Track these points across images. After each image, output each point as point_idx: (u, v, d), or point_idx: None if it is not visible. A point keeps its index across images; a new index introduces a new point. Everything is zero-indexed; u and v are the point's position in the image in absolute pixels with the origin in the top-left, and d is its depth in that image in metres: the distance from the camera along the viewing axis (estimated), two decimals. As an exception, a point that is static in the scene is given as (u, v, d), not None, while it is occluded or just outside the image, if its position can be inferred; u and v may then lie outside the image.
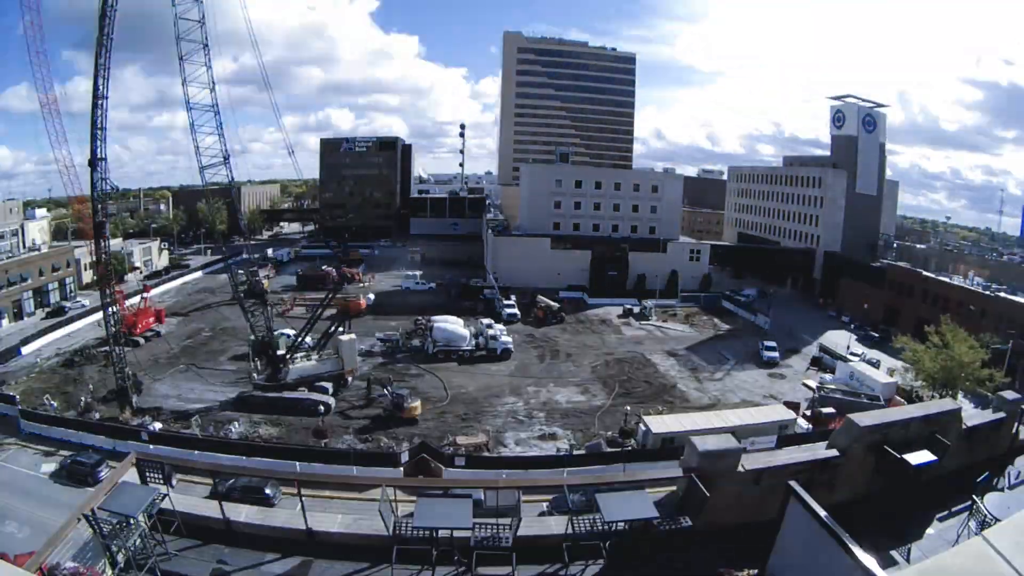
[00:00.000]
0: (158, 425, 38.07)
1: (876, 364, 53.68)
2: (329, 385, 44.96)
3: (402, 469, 32.37)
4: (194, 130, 37.76)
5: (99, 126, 36.67)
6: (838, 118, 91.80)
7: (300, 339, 46.18)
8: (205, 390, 45.28)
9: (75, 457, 32.86)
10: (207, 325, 63.22)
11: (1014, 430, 14.36)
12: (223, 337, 58.85)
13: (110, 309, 40.58)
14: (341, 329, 47.86)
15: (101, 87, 36.11)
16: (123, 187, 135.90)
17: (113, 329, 40.76)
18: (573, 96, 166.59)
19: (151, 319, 60.28)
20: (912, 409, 13.72)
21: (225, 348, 55.44)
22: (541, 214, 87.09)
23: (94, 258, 40.87)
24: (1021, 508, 10.74)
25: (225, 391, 44.98)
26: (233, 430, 38.52)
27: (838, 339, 60.67)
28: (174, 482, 21.92)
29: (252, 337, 43.79)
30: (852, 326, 66.39)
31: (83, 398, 41.71)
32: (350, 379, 46.97)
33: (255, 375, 44.39)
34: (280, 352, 44.83)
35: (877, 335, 64.66)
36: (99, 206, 38.34)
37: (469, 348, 53.71)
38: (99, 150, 37.01)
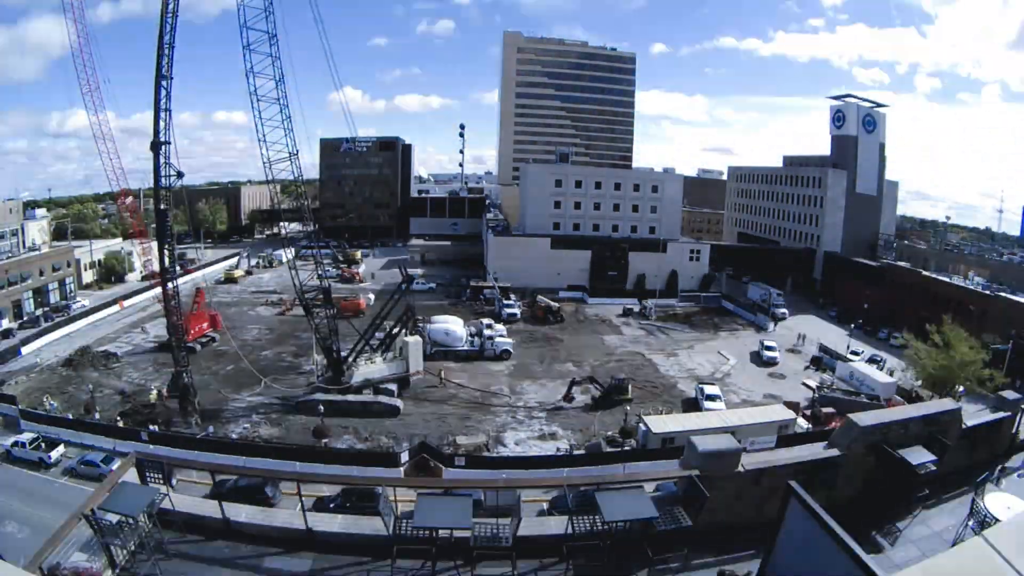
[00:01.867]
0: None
1: (881, 362, 53.71)
2: (394, 387, 44.37)
3: (402, 469, 32.40)
4: (260, 123, 36.76)
5: (163, 107, 35.61)
6: (838, 118, 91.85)
7: (365, 341, 44.97)
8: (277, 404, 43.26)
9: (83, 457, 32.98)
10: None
11: (1014, 430, 14.36)
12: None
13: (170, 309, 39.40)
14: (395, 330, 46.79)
15: (165, 66, 35.09)
16: (123, 187, 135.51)
17: (175, 332, 39.63)
18: (573, 96, 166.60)
19: (205, 324, 57.03)
20: (912, 409, 13.73)
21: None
22: (541, 214, 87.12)
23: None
24: (1021, 508, 10.78)
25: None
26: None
27: (836, 338, 60.70)
28: (174, 481, 22.07)
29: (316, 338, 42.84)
30: (852, 326, 66.39)
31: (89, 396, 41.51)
32: (413, 380, 46.19)
33: (317, 378, 43.74)
34: (342, 354, 43.56)
35: (881, 333, 64.90)
36: (164, 193, 37.30)
37: (465, 348, 53.72)
38: (163, 133, 35.91)
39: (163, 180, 37.05)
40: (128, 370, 49.37)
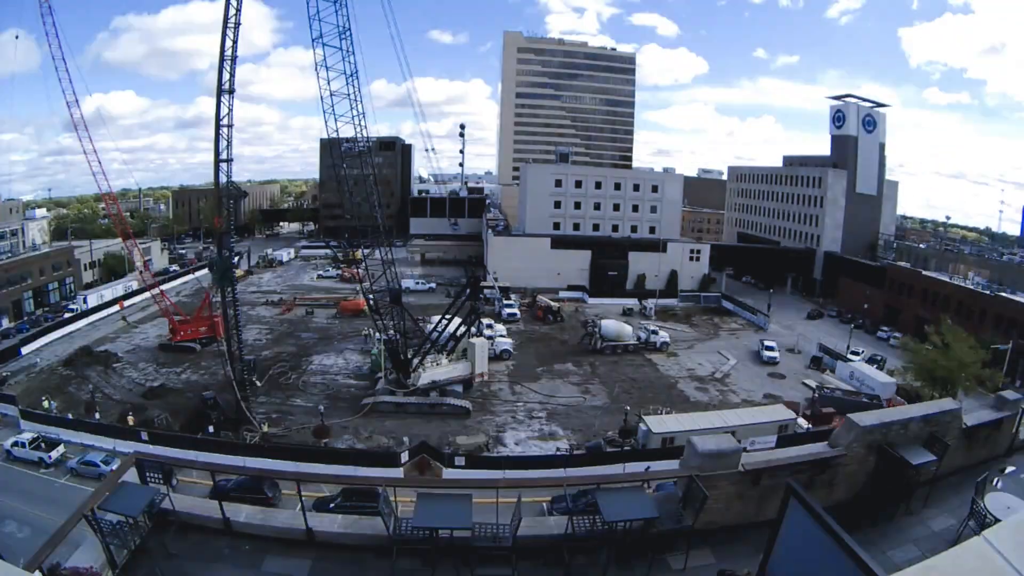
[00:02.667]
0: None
1: (882, 361, 53.72)
2: (460, 388, 44.36)
3: (402, 469, 32.41)
4: (333, 119, 36.28)
5: (224, 123, 34.78)
6: (838, 118, 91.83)
7: (433, 343, 44.21)
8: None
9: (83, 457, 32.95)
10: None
11: (1014, 430, 14.36)
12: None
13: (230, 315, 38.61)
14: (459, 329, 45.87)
15: (226, 81, 34.22)
16: (123, 187, 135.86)
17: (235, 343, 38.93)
18: (573, 96, 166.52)
19: (203, 328, 54.47)
20: (912, 409, 13.72)
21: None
22: (541, 214, 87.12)
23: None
24: (1021, 508, 10.78)
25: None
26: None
27: (835, 338, 60.69)
28: (175, 481, 22.08)
29: (379, 339, 42.76)
30: (852, 326, 66.36)
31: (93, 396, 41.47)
32: (476, 382, 46.02)
33: (382, 382, 43.56)
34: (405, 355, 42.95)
35: (881, 333, 64.96)
36: (226, 214, 37.57)
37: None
38: (225, 151, 35.22)
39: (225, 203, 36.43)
40: (128, 370, 49.36)
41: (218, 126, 34.85)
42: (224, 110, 34.51)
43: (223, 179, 36.13)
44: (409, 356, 42.70)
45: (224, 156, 35.48)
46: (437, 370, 44.09)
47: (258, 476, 30.03)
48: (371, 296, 41.04)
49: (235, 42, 33.72)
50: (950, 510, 11.97)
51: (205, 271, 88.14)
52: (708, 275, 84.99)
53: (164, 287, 58.54)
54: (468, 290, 45.53)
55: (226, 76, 34.11)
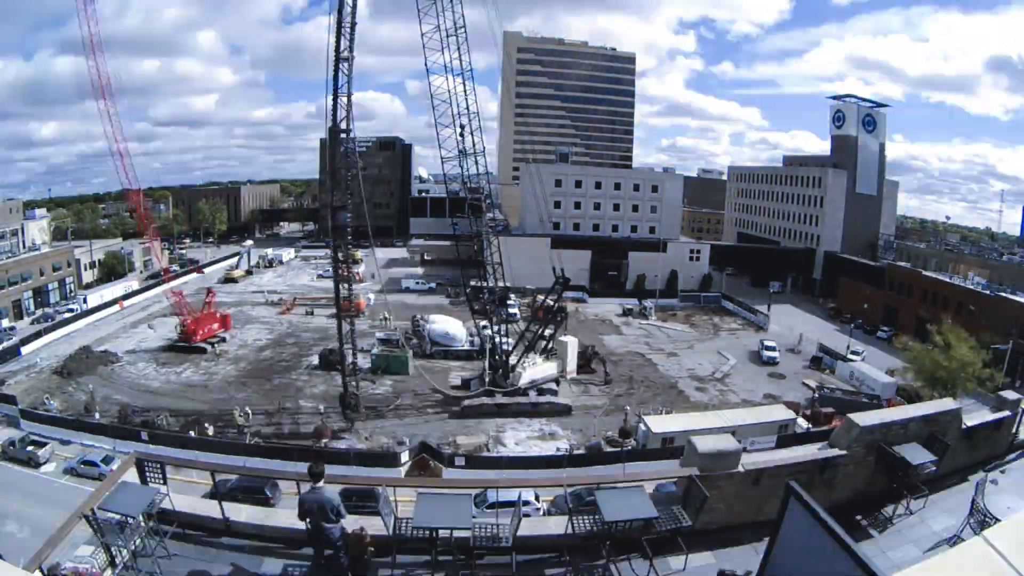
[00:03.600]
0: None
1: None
2: (555, 387, 44.80)
3: (402, 469, 32.41)
4: (437, 125, 36.73)
5: (343, 91, 33.91)
6: (838, 118, 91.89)
7: (532, 344, 44.72)
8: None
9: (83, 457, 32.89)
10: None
11: (1014, 430, 14.35)
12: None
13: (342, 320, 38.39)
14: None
15: (345, 47, 32.94)
16: (123, 186, 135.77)
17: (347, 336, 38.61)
18: (573, 96, 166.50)
19: (215, 324, 55.40)
20: (912, 409, 13.72)
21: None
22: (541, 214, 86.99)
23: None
24: (1021, 508, 10.78)
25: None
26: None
27: (835, 338, 60.69)
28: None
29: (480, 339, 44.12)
30: (852, 326, 66.42)
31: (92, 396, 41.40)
32: (564, 379, 46.71)
33: (475, 383, 44.24)
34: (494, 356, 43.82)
35: (881, 333, 64.93)
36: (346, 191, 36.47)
37: (465, 348, 53.72)
38: (344, 121, 34.12)
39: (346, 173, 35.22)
40: (128, 370, 49.35)
41: (336, 96, 33.90)
42: (343, 79, 33.60)
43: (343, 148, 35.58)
44: (505, 358, 43.20)
45: (344, 126, 34.62)
46: (535, 369, 44.66)
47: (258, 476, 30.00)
48: (482, 295, 42.37)
49: (354, 2, 32.83)
50: (950, 510, 11.96)
51: (205, 272, 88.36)
52: (708, 275, 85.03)
53: (164, 287, 58.11)
54: (558, 286, 46.01)
55: (345, 42, 33.07)
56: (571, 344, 47.68)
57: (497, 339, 43.12)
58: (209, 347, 52.96)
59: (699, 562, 10.14)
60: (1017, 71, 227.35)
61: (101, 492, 9.50)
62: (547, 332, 46.27)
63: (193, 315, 53.74)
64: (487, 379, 43.61)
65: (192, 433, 36.73)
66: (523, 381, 43.37)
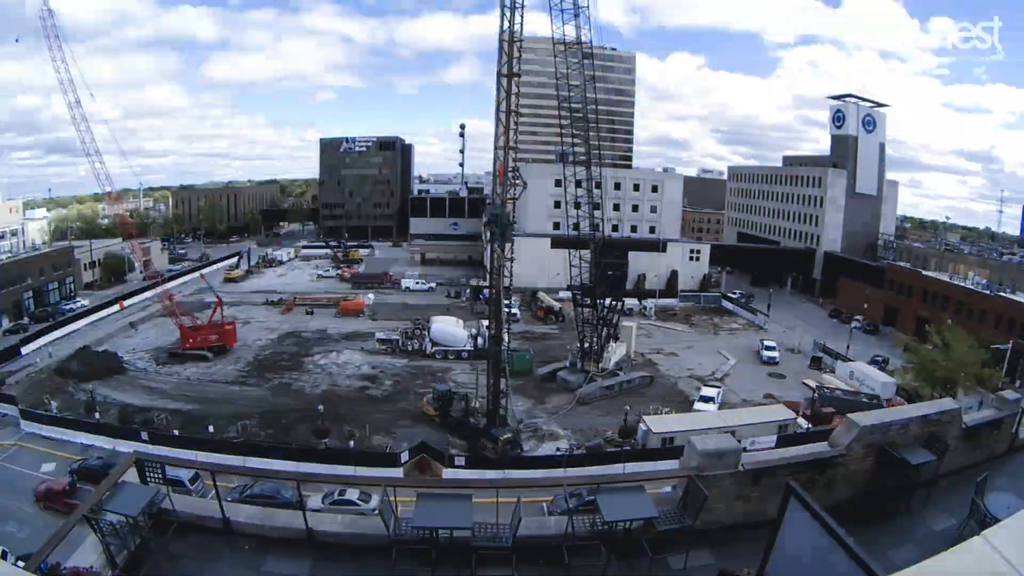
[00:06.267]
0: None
1: (885, 362, 53.65)
2: (626, 364, 50.81)
3: (402, 469, 32.41)
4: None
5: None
6: (838, 118, 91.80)
7: (614, 333, 50.10)
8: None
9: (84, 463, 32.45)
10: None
11: (1014, 430, 14.36)
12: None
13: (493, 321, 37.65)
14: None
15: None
16: (123, 187, 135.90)
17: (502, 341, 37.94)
18: (573, 96, 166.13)
19: (213, 336, 52.50)
20: (912, 409, 13.74)
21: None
22: (541, 214, 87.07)
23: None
24: (1021, 508, 10.77)
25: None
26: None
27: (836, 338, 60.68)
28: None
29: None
30: (853, 327, 66.42)
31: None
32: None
33: (565, 371, 48.28)
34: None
35: (873, 330, 65.12)
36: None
37: (467, 349, 53.70)
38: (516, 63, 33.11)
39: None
40: (128, 369, 49.30)
41: (512, 39, 32.86)
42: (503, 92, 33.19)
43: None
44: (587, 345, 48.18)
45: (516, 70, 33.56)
46: (614, 353, 50.00)
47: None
48: (579, 286, 48.79)
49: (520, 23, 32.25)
50: (950, 510, 11.97)
51: (206, 270, 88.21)
52: (708, 275, 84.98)
53: (164, 287, 57.87)
54: (611, 280, 51.70)
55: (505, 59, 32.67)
56: (634, 328, 54.60)
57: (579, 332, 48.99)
58: (211, 355, 51.78)
59: (699, 561, 10.15)
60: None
61: (101, 492, 9.51)
62: (614, 320, 50.67)
63: (188, 317, 52.83)
64: (578, 366, 48.42)
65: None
66: (612, 364, 48.75)
